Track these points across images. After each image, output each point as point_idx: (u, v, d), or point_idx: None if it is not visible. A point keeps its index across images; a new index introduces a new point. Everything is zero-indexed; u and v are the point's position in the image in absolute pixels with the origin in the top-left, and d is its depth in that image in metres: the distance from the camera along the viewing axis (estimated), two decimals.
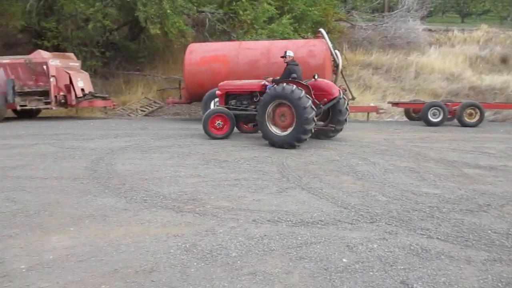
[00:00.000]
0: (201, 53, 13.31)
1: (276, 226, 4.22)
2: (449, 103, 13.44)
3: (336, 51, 13.65)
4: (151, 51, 20.12)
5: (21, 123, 13.43)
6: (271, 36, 16.80)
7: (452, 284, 3.09)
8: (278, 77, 9.19)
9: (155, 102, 17.14)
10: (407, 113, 14.83)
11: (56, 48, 17.61)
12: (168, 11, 16.07)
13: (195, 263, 3.41)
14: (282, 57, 9.42)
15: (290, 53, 9.26)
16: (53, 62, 13.64)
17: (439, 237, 3.98)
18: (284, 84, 8.40)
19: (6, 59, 13.96)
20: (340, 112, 9.13)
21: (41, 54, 13.79)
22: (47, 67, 13.40)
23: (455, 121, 13.19)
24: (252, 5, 18.40)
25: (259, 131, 9.17)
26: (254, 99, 9.38)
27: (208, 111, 9.91)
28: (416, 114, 14.37)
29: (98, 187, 5.63)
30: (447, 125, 13.09)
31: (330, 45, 13.19)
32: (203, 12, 19.04)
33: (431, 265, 3.39)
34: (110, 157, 7.58)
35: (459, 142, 9.75)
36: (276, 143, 8.42)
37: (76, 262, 3.42)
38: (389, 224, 4.30)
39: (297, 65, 9.07)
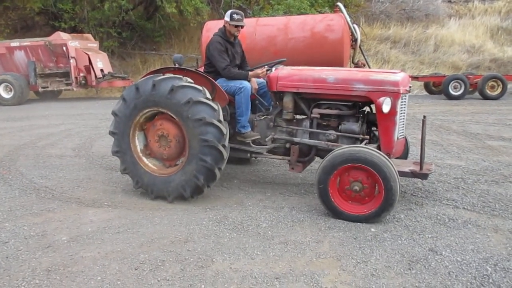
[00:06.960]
0: None
1: (303, 198, 4.32)
2: (470, 76, 13.19)
3: (355, 25, 13.42)
4: (167, 30, 20.09)
5: (44, 104, 13.69)
6: (287, 12, 16.60)
7: (480, 251, 3.15)
8: None
9: None
10: (427, 87, 14.62)
11: (73, 30, 17.75)
12: None
13: (227, 234, 3.53)
14: None
15: None
16: (72, 43, 13.78)
17: (466, 207, 4.02)
18: None
19: (26, 42, 14.18)
20: None
21: (61, 36, 13.91)
22: (67, 49, 13.55)
23: (477, 94, 12.98)
24: None
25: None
26: None
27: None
28: (436, 87, 14.17)
29: None
30: (469, 98, 12.89)
31: (349, 19, 12.97)
32: None
33: (459, 234, 3.45)
34: None
35: (482, 115, 9.62)
36: None
37: (114, 234, 3.58)
38: (415, 195, 4.36)
39: None
